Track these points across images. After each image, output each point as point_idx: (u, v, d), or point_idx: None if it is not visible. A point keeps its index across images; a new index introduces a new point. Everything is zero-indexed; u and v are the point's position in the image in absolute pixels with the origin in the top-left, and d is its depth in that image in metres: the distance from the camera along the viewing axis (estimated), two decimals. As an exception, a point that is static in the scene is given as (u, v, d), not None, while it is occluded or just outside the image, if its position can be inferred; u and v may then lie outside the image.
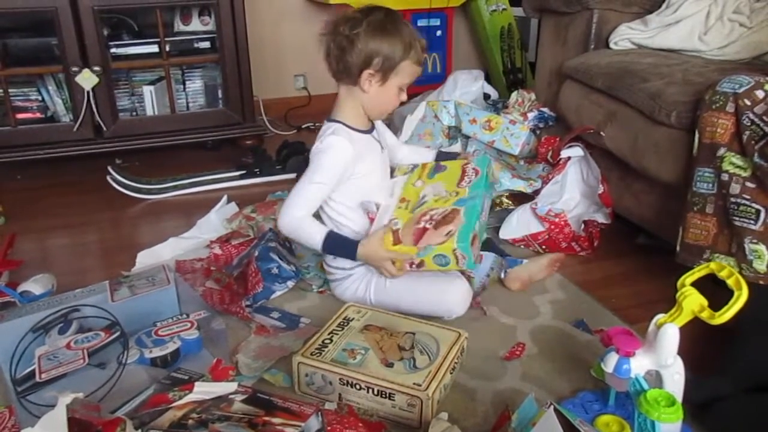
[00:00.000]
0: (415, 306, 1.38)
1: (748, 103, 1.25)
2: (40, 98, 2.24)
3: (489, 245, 1.59)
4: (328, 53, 1.35)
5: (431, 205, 1.35)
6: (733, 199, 1.26)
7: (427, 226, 1.30)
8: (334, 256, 1.41)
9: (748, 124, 1.24)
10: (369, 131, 1.44)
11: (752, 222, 1.23)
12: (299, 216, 1.35)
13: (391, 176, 1.50)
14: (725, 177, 1.27)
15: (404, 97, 1.40)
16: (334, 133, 1.36)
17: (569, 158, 1.81)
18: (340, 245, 1.37)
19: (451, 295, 1.38)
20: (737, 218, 1.25)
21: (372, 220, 1.40)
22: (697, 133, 1.34)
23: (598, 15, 1.95)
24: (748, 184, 1.24)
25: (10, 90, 2.12)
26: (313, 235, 1.36)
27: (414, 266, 1.31)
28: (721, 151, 1.28)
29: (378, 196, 1.44)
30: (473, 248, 1.26)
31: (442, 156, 1.58)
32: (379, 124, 1.51)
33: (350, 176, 1.37)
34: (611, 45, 1.94)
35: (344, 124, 1.38)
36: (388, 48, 1.31)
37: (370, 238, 1.35)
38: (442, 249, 1.27)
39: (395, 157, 1.57)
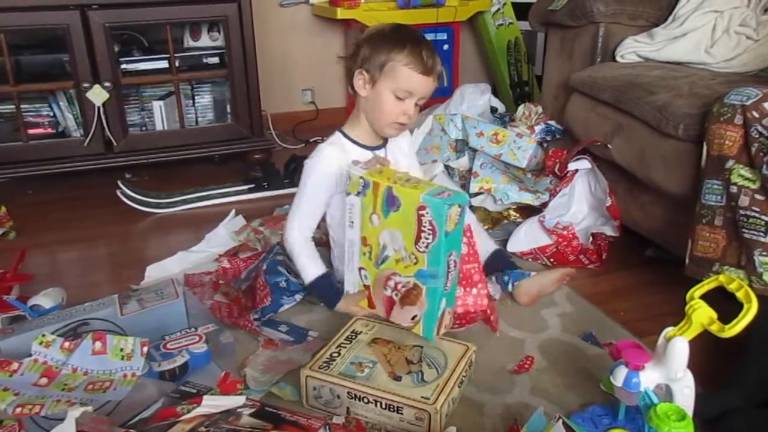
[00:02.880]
0: None
1: (756, 115, 1.24)
2: (51, 114, 2.27)
3: (500, 257, 1.59)
4: (346, 70, 1.39)
5: (393, 265, 1.25)
6: (742, 212, 1.25)
7: (394, 297, 1.26)
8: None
9: (757, 136, 1.24)
10: (373, 148, 1.43)
11: (762, 234, 1.23)
12: (300, 240, 1.40)
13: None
14: (734, 189, 1.26)
15: (408, 109, 1.33)
16: (326, 143, 1.40)
17: (576, 171, 1.81)
18: (323, 294, 1.42)
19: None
20: (746, 230, 1.25)
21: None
22: (705, 145, 1.33)
23: (604, 28, 1.96)
24: (757, 196, 1.23)
25: (22, 106, 2.14)
26: (306, 271, 1.41)
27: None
28: (730, 164, 1.28)
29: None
30: (441, 326, 1.24)
31: (500, 260, 1.55)
32: (400, 147, 1.49)
33: (342, 191, 1.36)
34: (617, 58, 1.94)
35: (345, 134, 1.39)
36: (377, 46, 1.30)
37: (349, 298, 1.37)
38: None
39: None
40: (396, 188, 1.20)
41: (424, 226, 1.18)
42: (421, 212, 1.17)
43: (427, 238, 1.18)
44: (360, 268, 1.32)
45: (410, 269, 1.22)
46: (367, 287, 1.32)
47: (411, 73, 1.29)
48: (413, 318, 1.23)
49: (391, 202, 1.22)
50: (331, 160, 1.36)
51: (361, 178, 1.24)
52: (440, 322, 1.23)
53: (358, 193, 1.26)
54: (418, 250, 1.20)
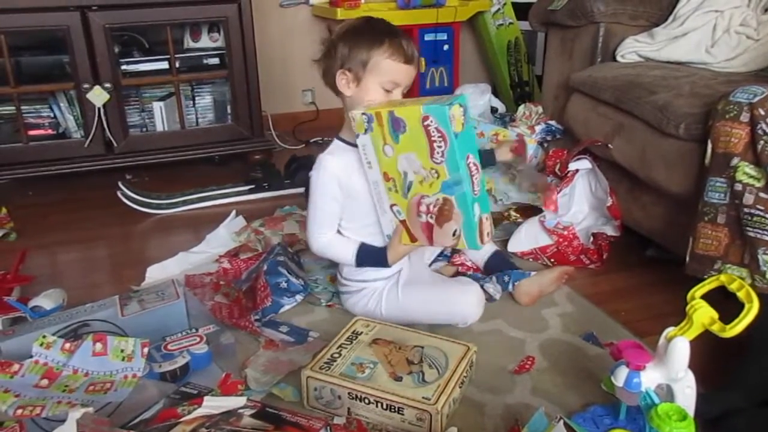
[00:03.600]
0: (429, 317, 1.38)
1: (763, 112, 1.24)
2: (51, 115, 2.27)
3: (499, 259, 1.59)
4: (322, 70, 1.36)
5: (419, 189, 1.27)
6: (746, 210, 1.25)
7: (430, 221, 1.28)
8: (366, 268, 1.41)
9: (762, 134, 1.23)
10: None
11: (766, 233, 1.22)
12: (324, 241, 1.38)
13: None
14: (738, 187, 1.26)
15: (397, 98, 1.32)
16: (325, 152, 1.37)
17: (577, 171, 1.81)
18: (371, 257, 1.38)
19: (465, 302, 1.38)
20: (750, 228, 1.24)
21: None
22: (709, 143, 1.33)
23: (604, 28, 1.96)
24: (762, 194, 1.23)
25: (22, 107, 2.15)
26: (344, 254, 1.39)
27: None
28: (735, 161, 1.27)
29: (372, 219, 1.38)
30: (484, 233, 1.27)
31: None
32: None
33: (347, 195, 1.35)
34: (618, 58, 1.94)
35: (341, 139, 1.38)
36: (355, 44, 1.29)
37: (391, 243, 1.36)
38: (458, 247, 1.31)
39: None
40: (397, 110, 1.22)
41: (434, 136, 1.19)
42: (426, 123, 1.19)
43: (440, 146, 1.20)
44: (392, 206, 1.32)
45: (435, 185, 1.24)
46: (403, 222, 1.33)
47: (396, 64, 1.29)
48: (454, 234, 1.26)
49: (396, 126, 1.23)
50: (333, 164, 1.34)
51: (363, 114, 1.26)
52: (480, 229, 1.25)
53: (366, 131, 1.27)
54: (436, 162, 1.22)
